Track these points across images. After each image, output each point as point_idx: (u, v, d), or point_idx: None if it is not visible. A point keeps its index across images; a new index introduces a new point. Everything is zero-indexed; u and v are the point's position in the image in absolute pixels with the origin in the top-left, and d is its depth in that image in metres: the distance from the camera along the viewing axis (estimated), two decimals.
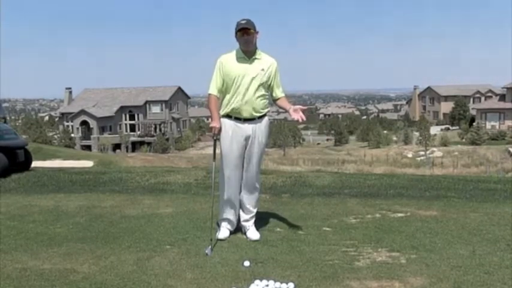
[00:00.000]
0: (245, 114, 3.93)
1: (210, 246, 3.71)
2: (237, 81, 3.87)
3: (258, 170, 4.12)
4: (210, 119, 4.18)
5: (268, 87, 3.99)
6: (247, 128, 3.96)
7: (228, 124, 3.97)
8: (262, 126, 4.02)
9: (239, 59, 3.90)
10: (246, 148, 4.01)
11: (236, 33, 3.83)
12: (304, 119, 3.79)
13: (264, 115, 4.04)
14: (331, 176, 7.55)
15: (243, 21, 3.81)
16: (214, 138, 4.01)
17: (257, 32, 3.87)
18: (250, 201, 4.16)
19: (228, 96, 3.95)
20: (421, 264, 3.42)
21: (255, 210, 4.22)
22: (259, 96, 3.93)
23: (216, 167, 4.12)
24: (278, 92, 4.06)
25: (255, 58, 3.91)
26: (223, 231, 4.15)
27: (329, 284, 3.10)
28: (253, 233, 4.10)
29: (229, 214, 4.16)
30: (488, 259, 3.48)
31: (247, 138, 3.98)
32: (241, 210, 4.20)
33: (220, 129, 3.95)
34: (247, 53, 3.89)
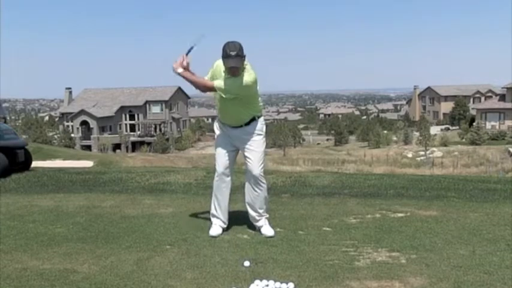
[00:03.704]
0: (232, 124, 4.13)
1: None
2: (221, 98, 4.00)
3: (259, 168, 4.13)
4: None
5: (249, 100, 4.03)
6: (235, 131, 4.13)
7: (220, 126, 4.23)
8: (250, 129, 4.11)
9: (226, 75, 3.92)
10: (240, 148, 4.18)
11: (223, 60, 3.82)
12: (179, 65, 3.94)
13: (253, 119, 4.11)
14: (331, 176, 7.55)
15: (232, 53, 3.75)
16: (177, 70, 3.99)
17: (244, 56, 3.84)
18: (255, 201, 4.20)
19: (217, 108, 4.19)
20: (421, 264, 3.42)
21: (261, 211, 4.23)
22: (241, 111, 4.05)
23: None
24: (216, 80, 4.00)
25: (240, 76, 3.89)
26: (215, 228, 4.22)
27: (329, 284, 3.10)
28: (267, 230, 4.17)
29: (219, 212, 4.26)
30: (488, 259, 3.48)
31: (239, 140, 4.13)
32: (249, 209, 4.26)
33: (182, 65, 3.96)
34: None
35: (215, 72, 4.03)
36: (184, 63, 3.96)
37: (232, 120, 4.11)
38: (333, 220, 4.63)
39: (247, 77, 3.89)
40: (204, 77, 4.10)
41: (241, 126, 4.09)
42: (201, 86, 4.03)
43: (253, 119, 4.10)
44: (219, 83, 3.93)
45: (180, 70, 3.96)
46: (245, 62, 3.89)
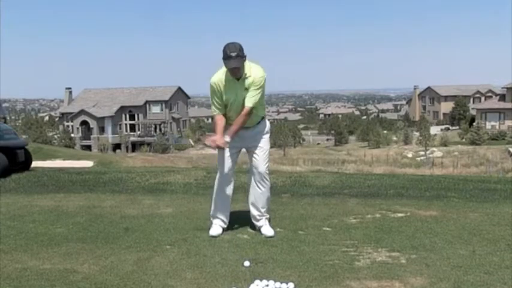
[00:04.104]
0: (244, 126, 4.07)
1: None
2: (229, 105, 4.00)
3: (265, 167, 4.17)
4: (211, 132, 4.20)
5: (260, 101, 4.03)
6: (247, 132, 4.10)
7: (226, 126, 4.13)
8: (260, 127, 4.16)
9: (229, 82, 3.93)
10: (246, 147, 4.18)
11: (224, 61, 3.82)
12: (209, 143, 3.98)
13: (262, 118, 4.17)
14: (331, 176, 7.55)
15: (232, 54, 3.75)
16: (212, 146, 3.99)
17: (245, 57, 3.86)
18: (258, 200, 4.21)
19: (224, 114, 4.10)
20: (421, 264, 3.42)
21: (263, 210, 4.24)
22: (255, 113, 4.04)
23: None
24: (246, 101, 3.96)
25: (245, 78, 3.92)
26: (216, 228, 4.23)
27: (329, 284, 3.10)
28: (267, 230, 4.17)
29: (221, 212, 4.25)
30: (488, 259, 3.48)
31: (245, 140, 4.13)
32: (251, 207, 4.27)
33: (220, 145, 3.93)
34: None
35: (216, 90, 3.97)
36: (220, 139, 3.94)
37: (247, 123, 4.07)
38: (333, 220, 4.63)
39: (257, 71, 3.93)
40: (214, 110, 4.05)
41: (251, 126, 4.10)
42: (246, 120, 3.98)
43: (262, 118, 4.18)
44: (249, 101, 3.90)
45: (228, 138, 3.94)
46: (245, 63, 3.89)
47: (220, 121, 4.02)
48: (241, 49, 3.80)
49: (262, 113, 4.17)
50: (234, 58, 3.77)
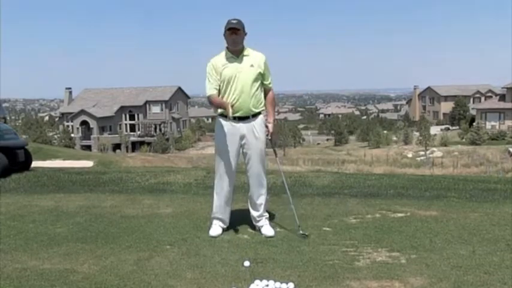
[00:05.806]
0: (240, 113, 4.00)
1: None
2: (230, 81, 3.95)
3: (261, 168, 4.16)
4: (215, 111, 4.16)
5: (261, 82, 4.07)
6: (242, 127, 4.05)
7: (223, 123, 4.08)
8: (257, 125, 4.09)
9: (229, 59, 3.97)
10: (241, 147, 4.12)
11: (225, 31, 3.91)
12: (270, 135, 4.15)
13: (259, 113, 4.11)
14: (331, 176, 7.55)
15: (234, 21, 3.88)
16: (231, 115, 3.91)
17: (245, 33, 3.95)
18: (257, 200, 4.22)
19: (222, 97, 4.02)
20: (421, 264, 3.42)
21: (262, 211, 4.25)
22: (252, 94, 4.00)
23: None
24: (265, 83, 4.13)
25: (244, 55, 3.98)
26: (216, 229, 4.23)
27: (329, 284, 3.10)
28: (268, 230, 4.18)
29: (221, 212, 4.24)
30: (488, 259, 3.48)
31: (242, 137, 4.07)
32: (250, 208, 4.27)
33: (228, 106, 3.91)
34: (235, 52, 3.97)
35: (213, 68, 3.96)
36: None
37: (244, 107, 3.97)
38: (333, 220, 4.63)
39: (257, 52, 4.03)
40: (210, 89, 4.00)
41: (250, 117, 4.04)
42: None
43: (259, 113, 4.12)
44: (271, 84, 4.18)
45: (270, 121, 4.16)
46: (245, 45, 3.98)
47: (219, 98, 4.00)
48: (242, 22, 3.90)
49: (261, 103, 4.11)
50: (234, 24, 3.86)
